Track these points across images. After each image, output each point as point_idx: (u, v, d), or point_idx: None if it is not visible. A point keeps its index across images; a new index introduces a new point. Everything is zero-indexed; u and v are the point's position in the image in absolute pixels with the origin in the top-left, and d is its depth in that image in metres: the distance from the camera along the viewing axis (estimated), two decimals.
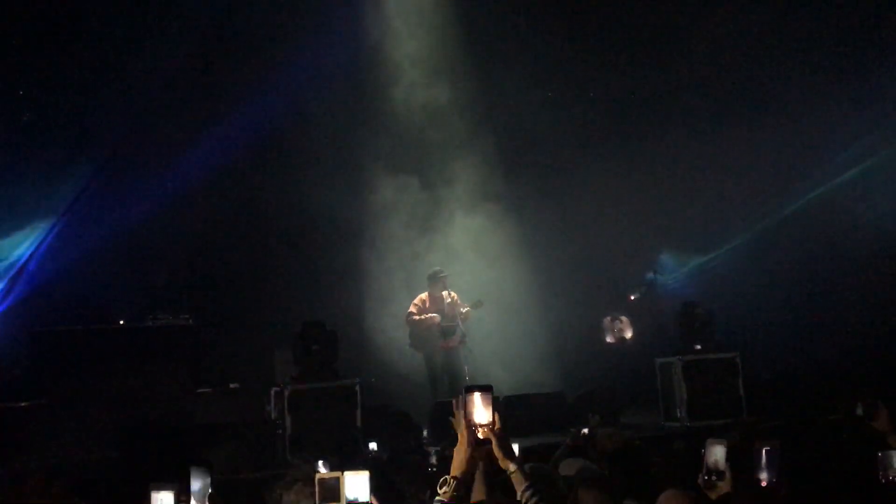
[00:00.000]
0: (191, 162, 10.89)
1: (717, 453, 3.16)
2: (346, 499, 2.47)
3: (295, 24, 11.17)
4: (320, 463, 4.04)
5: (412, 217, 11.51)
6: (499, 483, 2.90)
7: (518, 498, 2.75)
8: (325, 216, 11.32)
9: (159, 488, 2.58)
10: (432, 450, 6.20)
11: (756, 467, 3.08)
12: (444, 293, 9.68)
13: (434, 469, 5.21)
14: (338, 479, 2.49)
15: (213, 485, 2.65)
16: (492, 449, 2.74)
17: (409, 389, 10.33)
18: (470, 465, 2.72)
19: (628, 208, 12.50)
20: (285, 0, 11.18)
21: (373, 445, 7.05)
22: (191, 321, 9.59)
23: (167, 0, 10.84)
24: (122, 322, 9.55)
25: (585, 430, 5.04)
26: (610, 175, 12.28)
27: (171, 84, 10.96)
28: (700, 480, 3.13)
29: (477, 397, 2.67)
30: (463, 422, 2.71)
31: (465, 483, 2.72)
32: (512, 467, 2.76)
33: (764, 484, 3.05)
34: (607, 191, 12.27)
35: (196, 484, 2.63)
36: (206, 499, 2.66)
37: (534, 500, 2.71)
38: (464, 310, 9.60)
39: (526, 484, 2.75)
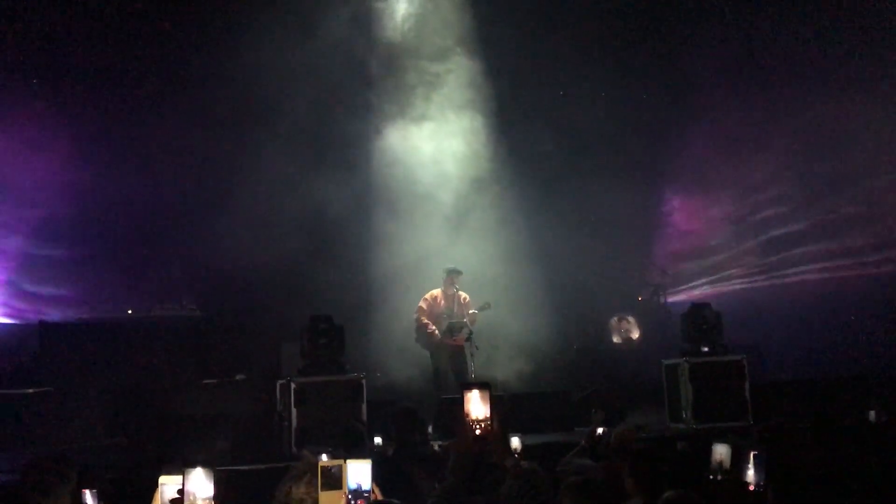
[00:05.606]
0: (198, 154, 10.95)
1: (721, 453, 3.20)
2: (349, 486, 2.48)
3: None
4: (324, 456, 4.02)
5: (422, 213, 11.49)
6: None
7: (502, 491, 2.81)
8: (334, 209, 11.32)
9: (168, 479, 2.56)
10: (437, 445, 6.18)
11: (743, 470, 3.10)
12: (456, 292, 9.69)
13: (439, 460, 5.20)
14: (340, 467, 2.50)
15: (216, 484, 2.55)
16: (489, 445, 2.78)
17: (414, 385, 10.32)
18: (468, 459, 2.76)
19: (639, 208, 12.47)
20: None
21: (378, 440, 7.04)
22: (198, 312, 9.64)
23: None
24: (129, 312, 9.60)
25: (600, 430, 5.00)
26: (622, 175, 12.25)
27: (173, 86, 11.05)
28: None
29: (475, 394, 2.72)
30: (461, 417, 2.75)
31: (462, 475, 2.76)
32: (507, 463, 2.80)
33: (751, 487, 3.06)
34: (618, 191, 12.23)
35: (198, 486, 2.53)
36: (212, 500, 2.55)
37: (518, 494, 2.76)
38: (471, 311, 9.61)
39: (512, 481, 2.80)
